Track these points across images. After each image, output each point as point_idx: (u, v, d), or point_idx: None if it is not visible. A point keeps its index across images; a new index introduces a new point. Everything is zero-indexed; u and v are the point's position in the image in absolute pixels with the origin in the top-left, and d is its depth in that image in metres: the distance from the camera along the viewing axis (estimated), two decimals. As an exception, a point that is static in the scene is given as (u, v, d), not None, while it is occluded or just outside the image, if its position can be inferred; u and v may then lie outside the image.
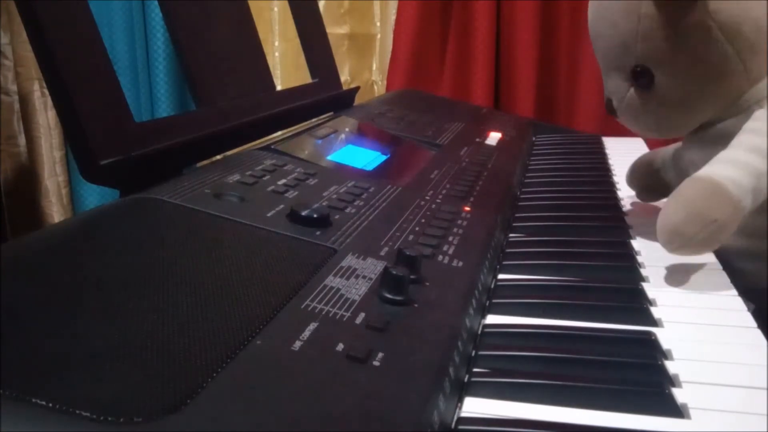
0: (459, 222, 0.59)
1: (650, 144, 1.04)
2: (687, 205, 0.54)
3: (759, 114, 0.59)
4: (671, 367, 0.41)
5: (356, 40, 1.58)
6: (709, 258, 0.59)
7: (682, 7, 0.57)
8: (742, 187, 0.53)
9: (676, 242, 0.54)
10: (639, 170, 0.77)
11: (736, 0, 0.57)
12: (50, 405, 0.26)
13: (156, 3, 0.99)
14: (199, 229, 0.47)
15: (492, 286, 0.54)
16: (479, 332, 0.46)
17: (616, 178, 0.88)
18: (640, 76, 0.61)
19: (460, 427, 0.35)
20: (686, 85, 0.60)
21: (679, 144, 0.73)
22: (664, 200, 0.76)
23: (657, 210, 0.75)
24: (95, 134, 0.51)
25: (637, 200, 0.78)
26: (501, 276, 0.56)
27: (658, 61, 0.60)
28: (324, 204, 0.56)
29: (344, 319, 0.38)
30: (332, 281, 0.42)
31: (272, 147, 0.69)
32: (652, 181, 0.75)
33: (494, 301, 0.51)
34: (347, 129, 0.86)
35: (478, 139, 0.96)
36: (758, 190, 0.54)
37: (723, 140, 0.59)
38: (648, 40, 0.59)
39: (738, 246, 0.61)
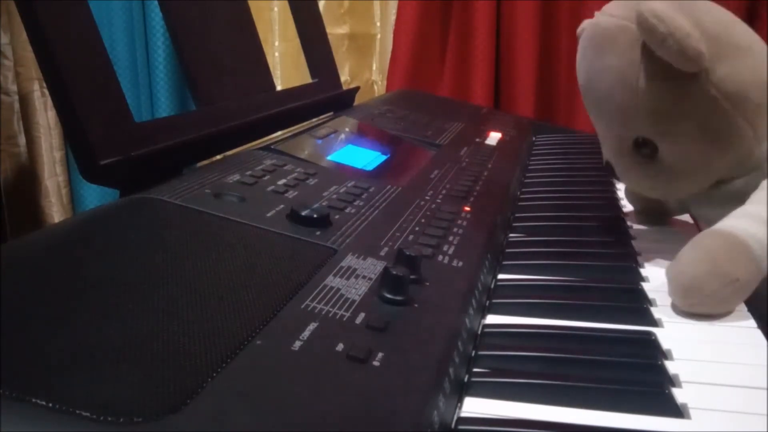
0: (459, 222, 0.59)
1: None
2: (708, 259, 0.50)
3: None
4: (671, 367, 0.41)
5: (356, 40, 1.58)
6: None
7: (684, 81, 0.53)
8: (764, 245, 0.50)
9: (692, 298, 0.49)
10: (638, 194, 0.73)
11: (740, 66, 0.54)
12: (50, 405, 0.26)
13: (156, 3, 0.99)
14: (199, 229, 0.47)
15: (492, 286, 0.54)
16: (479, 332, 0.46)
17: (616, 178, 0.88)
18: (643, 147, 0.57)
19: (460, 427, 0.35)
20: (692, 155, 0.56)
21: None
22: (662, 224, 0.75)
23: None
24: (95, 134, 0.51)
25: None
26: (501, 276, 0.56)
27: (661, 134, 0.56)
28: (324, 204, 0.56)
29: (344, 319, 0.38)
30: (332, 281, 0.42)
31: (272, 147, 0.69)
32: (652, 205, 0.72)
33: (494, 301, 0.51)
34: (347, 129, 0.86)
35: (478, 139, 0.96)
36: None
37: (734, 200, 0.56)
38: (649, 114, 0.55)
39: None
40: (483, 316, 0.49)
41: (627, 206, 0.76)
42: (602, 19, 0.58)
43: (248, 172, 0.59)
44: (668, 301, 0.51)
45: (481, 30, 1.44)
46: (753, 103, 0.54)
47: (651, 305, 0.50)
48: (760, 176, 0.56)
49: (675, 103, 0.54)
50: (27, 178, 1.47)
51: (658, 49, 0.52)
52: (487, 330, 0.46)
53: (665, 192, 0.64)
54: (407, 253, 0.45)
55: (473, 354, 0.43)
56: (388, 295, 0.41)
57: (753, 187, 0.56)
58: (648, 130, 0.56)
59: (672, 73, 0.53)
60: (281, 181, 0.58)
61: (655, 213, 0.72)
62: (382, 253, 0.48)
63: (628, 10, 0.55)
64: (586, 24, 0.61)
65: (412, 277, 0.43)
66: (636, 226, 0.69)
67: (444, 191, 0.67)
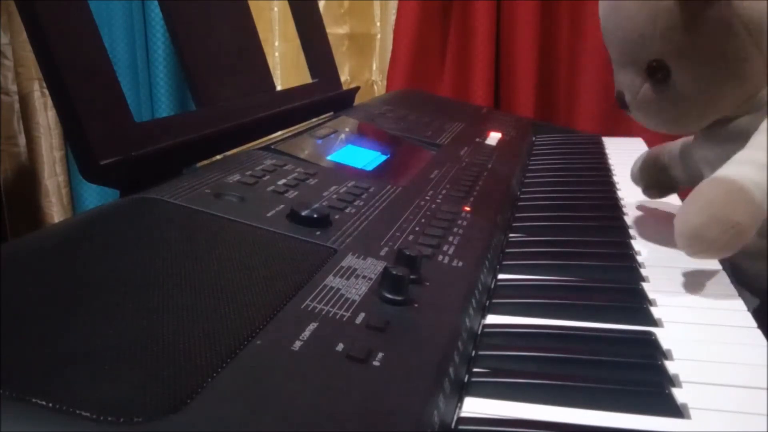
0: (459, 222, 0.59)
1: (650, 144, 1.04)
2: (708, 207, 0.52)
3: None
4: (671, 367, 0.41)
5: (356, 40, 1.58)
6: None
7: (705, 2, 0.55)
8: (763, 189, 0.52)
9: (696, 246, 0.52)
10: (645, 166, 0.76)
11: None
12: (50, 405, 0.26)
13: (156, 3, 0.99)
14: (199, 229, 0.47)
15: (492, 286, 0.54)
16: (479, 332, 0.46)
17: (616, 178, 0.88)
18: (657, 71, 0.60)
19: (460, 427, 0.35)
20: (704, 81, 0.58)
21: (685, 140, 0.72)
22: (669, 197, 0.76)
23: (656, 210, 0.76)
24: (95, 134, 0.51)
25: (637, 200, 0.78)
26: (501, 276, 0.56)
27: (676, 56, 0.58)
28: (324, 204, 0.56)
29: (344, 319, 0.38)
30: (332, 281, 0.42)
31: (272, 147, 0.69)
32: (658, 177, 0.74)
33: (494, 301, 0.51)
34: (347, 129, 0.86)
35: (478, 139, 0.96)
36: None
37: (738, 138, 0.57)
38: (667, 35, 0.58)
39: (750, 246, 0.61)
40: (483, 316, 0.49)
41: (627, 206, 0.76)
42: None
43: (248, 172, 0.59)
44: (668, 300, 0.51)
45: (481, 30, 1.44)
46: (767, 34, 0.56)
47: (651, 305, 0.50)
48: (763, 116, 0.57)
49: (694, 24, 0.56)
50: (27, 178, 1.47)
51: None
52: (487, 330, 0.46)
53: (673, 124, 0.65)
54: (407, 253, 0.45)
55: (473, 354, 0.43)
56: (388, 295, 0.41)
57: (756, 127, 0.57)
58: (665, 51, 0.59)
59: None
60: (281, 181, 0.58)
61: (662, 187, 0.74)
62: (382, 253, 0.48)
63: None
64: None
65: (412, 277, 0.43)
66: (636, 226, 0.69)
67: (444, 191, 0.67)
